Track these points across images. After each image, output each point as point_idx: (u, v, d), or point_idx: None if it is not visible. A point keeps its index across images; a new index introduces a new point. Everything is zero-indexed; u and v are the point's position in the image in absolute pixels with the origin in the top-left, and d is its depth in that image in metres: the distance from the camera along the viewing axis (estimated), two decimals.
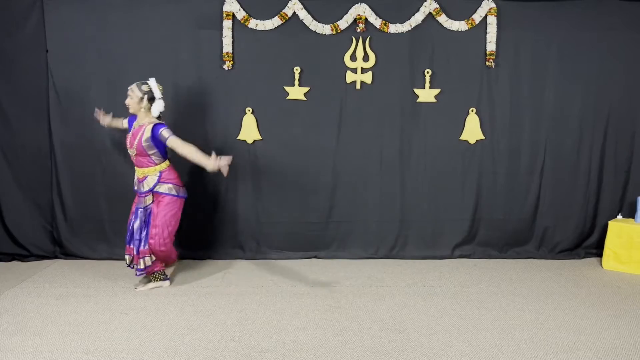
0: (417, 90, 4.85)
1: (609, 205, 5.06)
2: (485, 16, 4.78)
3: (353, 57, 4.79)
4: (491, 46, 4.79)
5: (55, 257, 4.85)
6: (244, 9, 4.66)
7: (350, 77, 4.80)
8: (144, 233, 4.01)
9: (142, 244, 4.00)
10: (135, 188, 4.08)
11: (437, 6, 4.73)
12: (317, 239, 4.97)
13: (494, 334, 3.32)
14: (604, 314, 3.68)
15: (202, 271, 4.54)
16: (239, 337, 3.24)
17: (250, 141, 4.82)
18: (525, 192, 5.02)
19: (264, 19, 4.68)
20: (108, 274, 4.42)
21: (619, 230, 4.71)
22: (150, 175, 4.00)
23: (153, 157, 3.97)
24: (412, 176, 4.96)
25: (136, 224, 4.03)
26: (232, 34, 4.68)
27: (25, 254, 4.78)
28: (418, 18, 4.75)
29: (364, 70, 4.81)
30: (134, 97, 3.95)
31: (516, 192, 5.02)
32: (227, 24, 4.65)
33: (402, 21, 4.75)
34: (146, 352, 3.02)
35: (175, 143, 3.90)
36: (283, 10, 4.68)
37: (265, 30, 4.70)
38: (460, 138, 4.93)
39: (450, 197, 4.99)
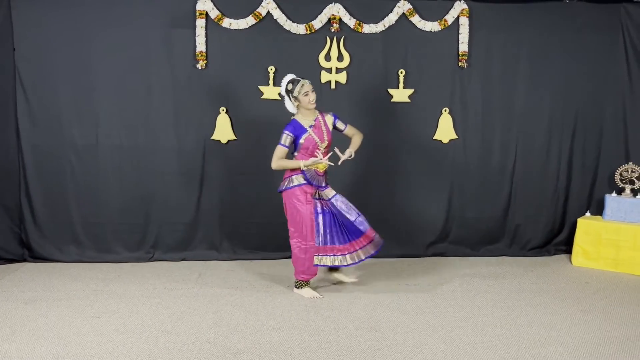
0: (391, 90, 4.88)
1: (577, 203, 5.17)
2: (458, 17, 4.83)
3: (327, 57, 4.80)
4: (463, 47, 4.85)
5: (24, 260, 4.72)
6: (217, 8, 4.62)
7: (324, 77, 4.80)
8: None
9: (354, 235, 3.98)
10: (314, 183, 3.97)
11: (411, 7, 4.77)
12: None
13: (467, 331, 3.36)
14: (574, 309, 3.76)
15: (177, 273, 4.49)
16: (214, 338, 3.21)
17: (224, 141, 4.78)
18: (497, 191, 5.10)
19: (238, 18, 4.66)
20: (78, 277, 4.34)
21: (587, 227, 4.83)
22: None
23: None
24: (386, 175, 4.99)
25: (327, 220, 3.95)
26: (206, 33, 4.64)
27: None
28: (392, 18, 4.78)
29: (338, 70, 4.82)
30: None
31: (488, 191, 5.09)
32: (201, 22, 4.61)
33: (376, 21, 4.78)
34: (119, 356, 2.97)
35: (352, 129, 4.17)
36: (257, 10, 4.66)
37: (239, 30, 4.67)
38: (434, 137, 4.98)
39: (423, 196, 5.04)
